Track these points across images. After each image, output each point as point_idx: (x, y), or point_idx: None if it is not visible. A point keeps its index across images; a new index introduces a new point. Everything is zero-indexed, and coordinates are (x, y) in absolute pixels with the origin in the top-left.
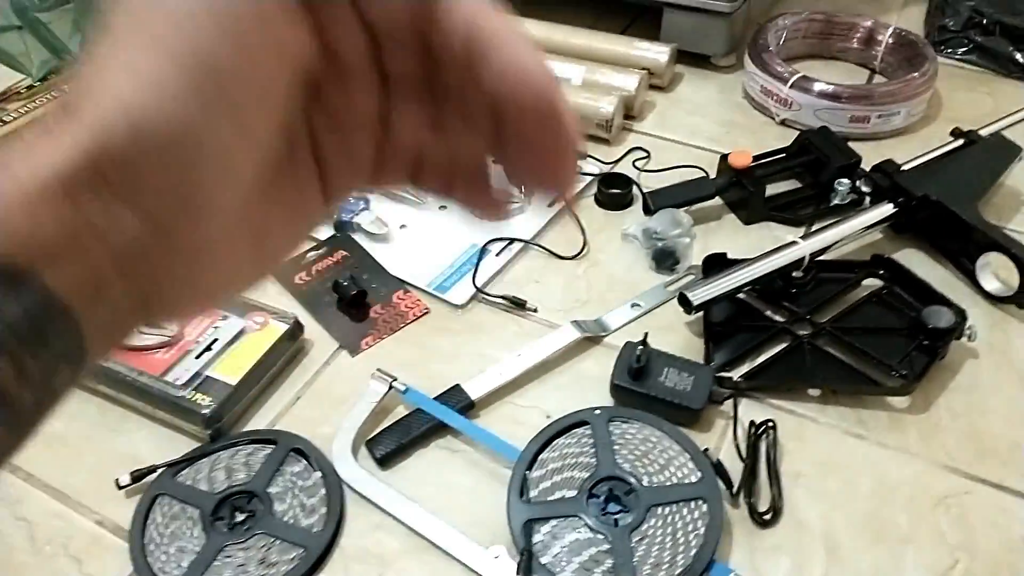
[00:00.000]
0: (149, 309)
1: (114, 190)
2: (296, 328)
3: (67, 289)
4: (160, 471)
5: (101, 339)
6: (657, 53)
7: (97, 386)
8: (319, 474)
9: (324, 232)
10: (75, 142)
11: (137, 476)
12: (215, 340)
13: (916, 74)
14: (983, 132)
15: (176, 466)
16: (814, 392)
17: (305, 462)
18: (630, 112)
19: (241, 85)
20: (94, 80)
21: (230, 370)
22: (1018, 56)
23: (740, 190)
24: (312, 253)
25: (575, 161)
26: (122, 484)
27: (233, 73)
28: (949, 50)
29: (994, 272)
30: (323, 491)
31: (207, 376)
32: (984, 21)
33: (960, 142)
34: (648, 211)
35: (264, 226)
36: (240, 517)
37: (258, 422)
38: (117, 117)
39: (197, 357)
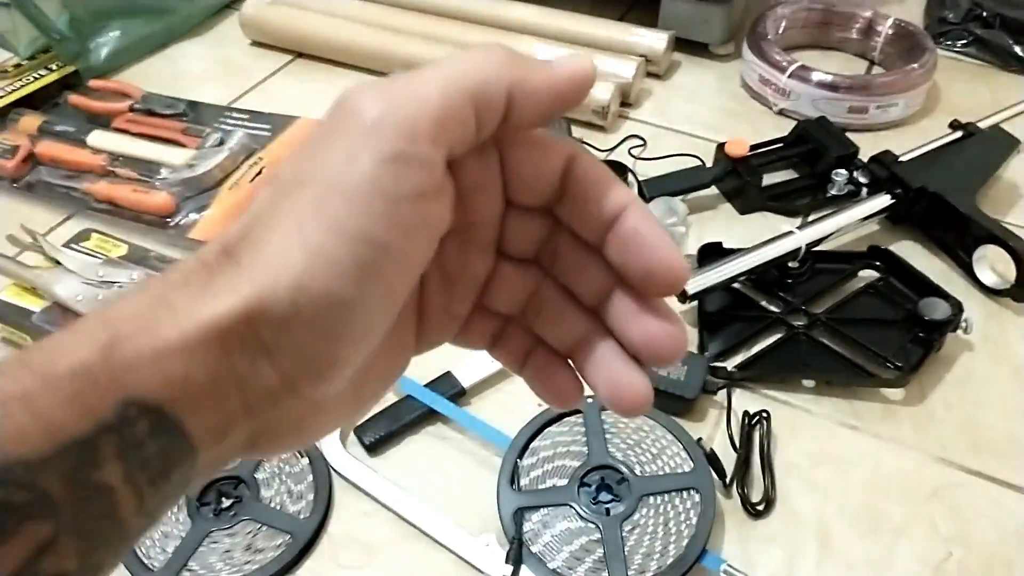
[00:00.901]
0: (257, 447)
1: (264, 347)
2: None
3: (199, 432)
4: None
5: (207, 470)
6: (655, 40)
7: None
8: (307, 460)
9: None
10: (239, 296)
11: None
12: None
13: (915, 65)
14: (981, 125)
15: None
16: (808, 383)
17: None
18: (626, 99)
19: (395, 261)
20: (263, 237)
21: None
22: (1017, 49)
23: (736, 179)
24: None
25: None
26: None
27: (392, 253)
28: (948, 42)
29: (991, 265)
30: (311, 477)
31: None
32: (984, 14)
33: (958, 134)
34: (643, 199)
35: (368, 375)
36: (226, 503)
37: None
38: (283, 280)
39: None
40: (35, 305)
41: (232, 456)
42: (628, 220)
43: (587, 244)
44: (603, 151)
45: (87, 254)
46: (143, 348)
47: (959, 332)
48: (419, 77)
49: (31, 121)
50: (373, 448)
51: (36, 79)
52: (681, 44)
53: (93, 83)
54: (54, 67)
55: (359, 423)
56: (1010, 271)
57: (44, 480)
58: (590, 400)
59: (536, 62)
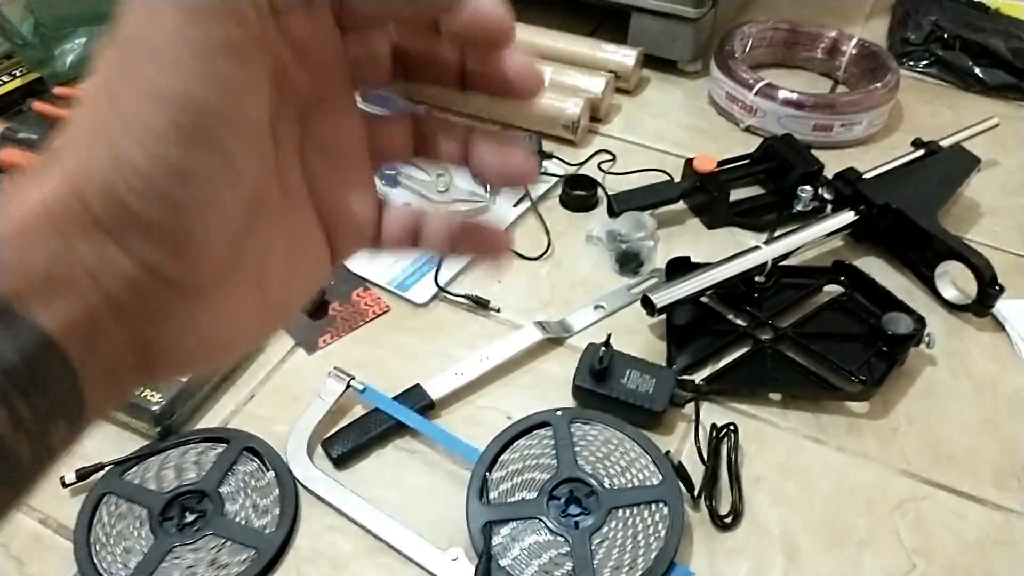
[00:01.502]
0: (150, 361)
1: (103, 228)
2: None
3: (62, 330)
4: (107, 469)
5: (100, 391)
6: (624, 56)
7: None
8: (273, 474)
9: None
10: (62, 175)
11: (83, 474)
12: None
13: (879, 85)
14: (943, 143)
15: (124, 464)
16: (775, 396)
17: (258, 462)
18: (596, 115)
19: (222, 121)
20: (82, 120)
21: None
22: (977, 71)
23: (704, 195)
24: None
25: (533, 155)
26: (67, 482)
27: (214, 110)
28: (911, 63)
29: (952, 280)
30: (276, 491)
31: None
32: (945, 36)
33: (921, 152)
34: (612, 213)
35: (265, 273)
36: (190, 517)
37: (210, 420)
38: (102, 152)
39: None
40: None
41: (126, 376)
42: None
43: (429, 35)
44: (573, 165)
45: None
46: None
47: (922, 346)
48: None
49: None
50: (340, 461)
51: None
52: (650, 61)
53: (58, 90)
54: (18, 73)
55: (326, 436)
56: (971, 287)
57: None
58: (559, 414)
59: None
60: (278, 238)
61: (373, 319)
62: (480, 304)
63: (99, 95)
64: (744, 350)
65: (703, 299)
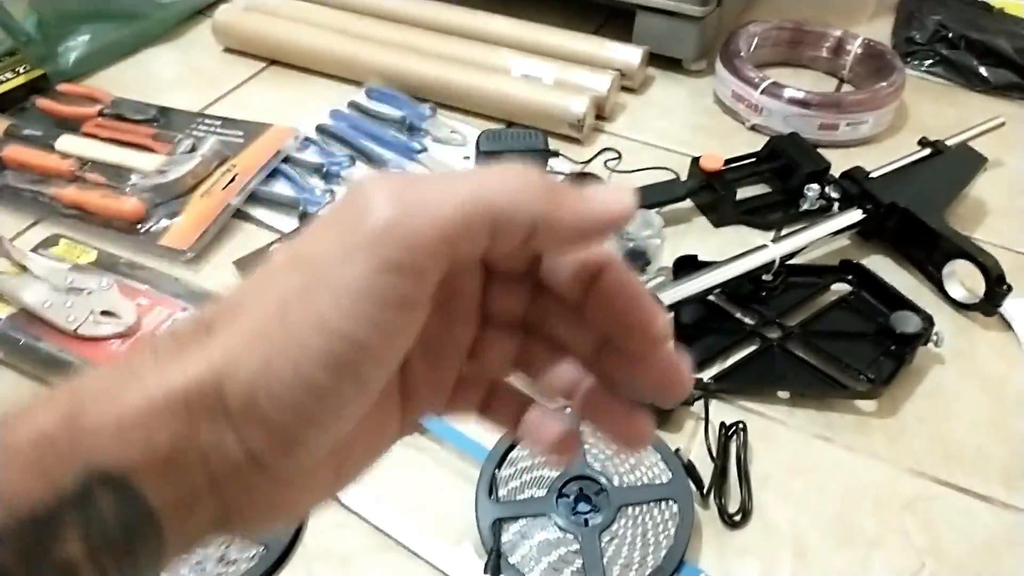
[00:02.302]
0: (228, 525)
1: (230, 418)
2: None
3: (164, 505)
4: None
5: (177, 549)
6: (629, 55)
7: (49, 377)
8: None
9: (290, 224)
10: (207, 364)
11: None
12: None
13: (884, 84)
14: (949, 143)
15: None
16: (783, 395)
17: None
18: (601, 113)
19: (373, 360)
20: (242, 311)
21: None
22: (982, 70)
23: (711, 193)
24: (278, 245)
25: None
26: None
27: (370, 352)
28: (916, 62)
29: (960, 280)
30: None
31: None
32: (950, 35)
33: (927, 151)
34: None
35: (348, 455)
36: None
37: None
38: (254, 353)
39: None
40: (1, 312)
41: (202, 536)
42: (608, 276)
43: (571, 303)
44: (579, 163)
45: (55, 260)
46: (106, 416)
47: (930, 345)
48: (441, 184)
49: None
50: None
51: (3, 82)
52: (655, 59)
53: (62, 87)
54: (21, 70)
55: None
56: (979, 286)
57: (1, 553)
58: (568, 411)
59: (570, 192)
60: (366, 430)
61: None
62: None
63: (268, 302)
64: (752, 348)
65: (710, 297)
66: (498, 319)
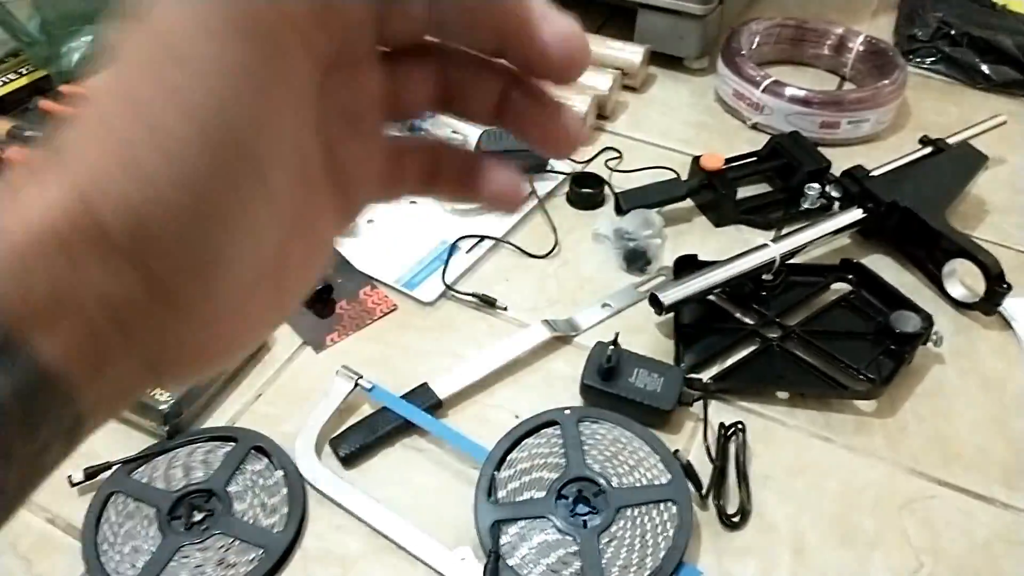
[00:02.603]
0: (156, 372)
1: (116, 246)
2: None
3: (64, 359)
4: (115, 468)
5: (101, 409)
6: (631, 53)
7: None
8: (281, 473)
9: None
10: (71, 185)
11: (91, 473)
12: None
13: (886, 82)
14: (950, 141)
15: (131, 463)
16: (782, 395)
17: (267, 460)
18: (603, 112)
19: (261, 139)
20: (94, 119)
21: None
22: (984, 68)
23: (711, 192)
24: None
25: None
26: (75, 481)
27: (253, 128)
28: (918, 59)
29: (960, 279)
30: (285, 490)
31: None
32: (952, 32)
33: (928, 150)
34: (620, 211)
35: (284, 268)
36: (198, 516)
37: (218, 419)
38: (121, 161)
39: None
40: None
41: (130, 389)
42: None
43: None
44: (579, 163)
45: None
46: None
47: (929, 345)
48: None
49: (0, 126)
50: (348, 460)
51: (6, 83)
52: (656, 58)
53: (65, 88)
54: (24, 71)
55: (334, 435)
56: (979, 285)
57: None
58: (567, 412)
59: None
60: (300, 235)
61: (380, 317)
62: (487, 302)
63: (117, 98)
64: (752, 348)
65: (711, 297)
66: (404, 55)
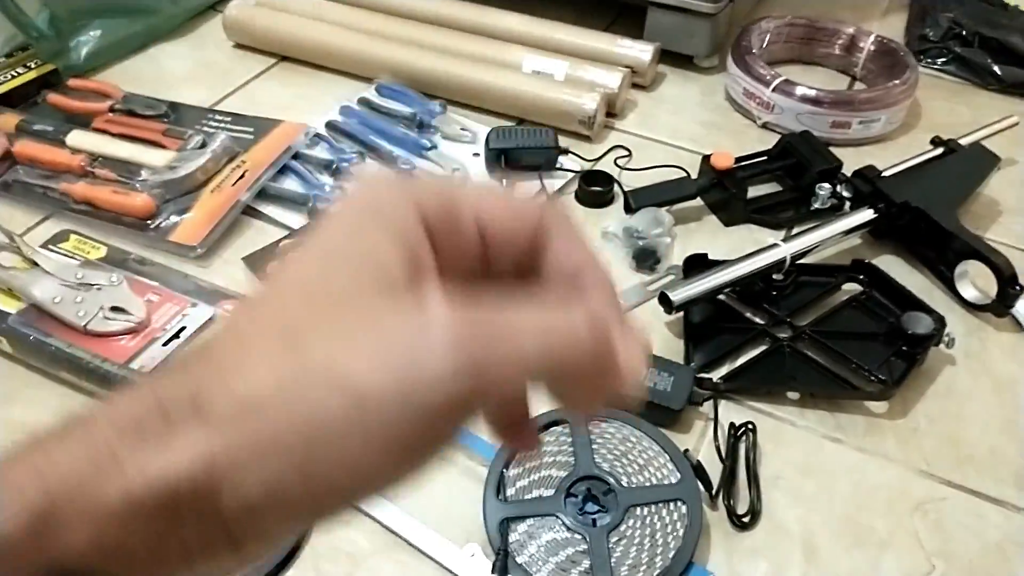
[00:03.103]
0: None
1: (220, 517)
2: None
3: None
4: None
5: None
6: (640, 52)
7: (59, 373)
8: None
9: (298, 221)
10: (205, 453)
11: None
12: (183, 328)
13: (897, 82)
14: (962, 142)
15: None
16: (793, 395)
17: None
18: (612, 110)
19: (387, 488)
20: (256, 403)
21: None
22: (996, 68)
23: (721, 191)
24: (285, 241)
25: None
26: None
27: (389, 485)
28: (929, 60)
29: (972, 280)
30: None
31: None
32: (963, 33)
33: (940, 150)
34: (629, 210)
35: None
36: None
37: None
38: (266, 464)
39: (164, 344)
40: (11, 307)
41: None
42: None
43: None
44: (589, 161)
45: (65, 255)
46: (80, 517)
47: (941, 346)
48: (512, 336)
49: (8, 119)
50: None
51: (14, 77)
52: (666, 56)
53: (73, 82)
54: (32, 65)
55: None
56: (991, 286)
57: None
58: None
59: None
60: None
61: None
62: None
63: (292, 406)
64: (762, 348)
65: (721, 297)
66: None
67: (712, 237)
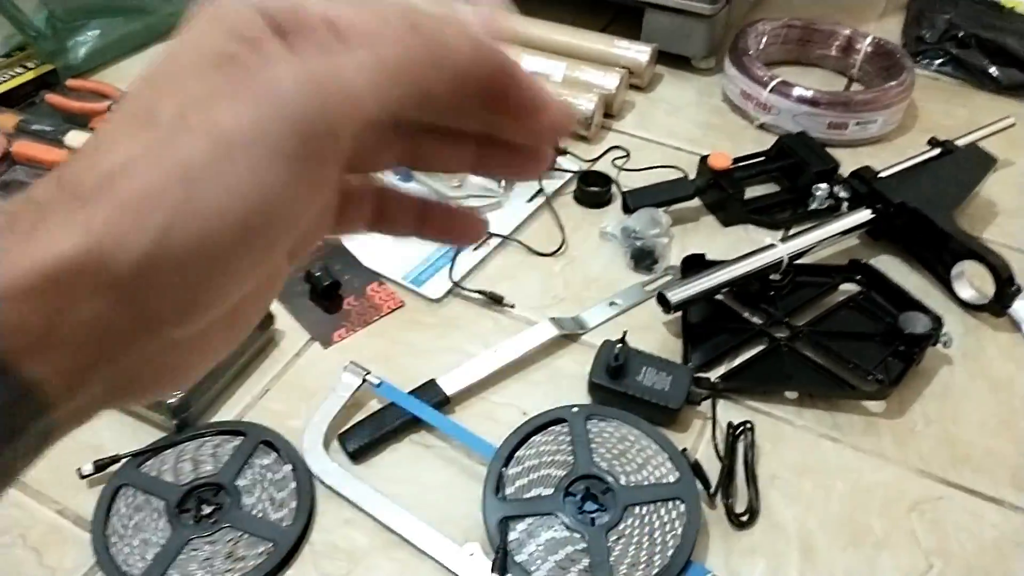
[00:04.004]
0: (123, 394)
1: (116, 283)
2: (266, 317)
3: (47, 381)
4: (124, 461)
5: (69, 422)
6: (637, 53)
7: None
8: (289, 467)
9: None
10: (85, 230)
11: (100, 465)
12: None
13: (894, 83)
14: (959, 143)
15: (141, 456)
16: (791, 395)
17: (275, 455)
18: (610, 111)
19: (287, 227)
20: (125, 170)
21: None
22: (992, 70)
23: (719, 192)
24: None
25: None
26: (84, 473)
27: (283, 220)
28: (925, 61)
29: (969, 280)
30: (293, 485)
31: None
32: (960, 34)
33: (937, 151)
34: (627, 210)
35: (241, 309)
36: (207, 510)
37: (226, 413)
38: (150, 218)
39: None
40: None
41: (97, 406)
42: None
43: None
44: (587, 161)
45: None
46: None
47: (939, 346)
48: (349, 58)
49: (7, 119)
50: (356, 456)
51: (12, 77)
52: (663, 57)
53: (71, 82)
54: (31, 65)
55: (342, 430)
56: (988, 287)
57: None
58: (575, 410)
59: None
60: (267, 280)
61: (387, 314)
62: (494, 300)
63: (167, 166)
64: (760, 348)
65: (718, 296)
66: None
67: (710, 237)
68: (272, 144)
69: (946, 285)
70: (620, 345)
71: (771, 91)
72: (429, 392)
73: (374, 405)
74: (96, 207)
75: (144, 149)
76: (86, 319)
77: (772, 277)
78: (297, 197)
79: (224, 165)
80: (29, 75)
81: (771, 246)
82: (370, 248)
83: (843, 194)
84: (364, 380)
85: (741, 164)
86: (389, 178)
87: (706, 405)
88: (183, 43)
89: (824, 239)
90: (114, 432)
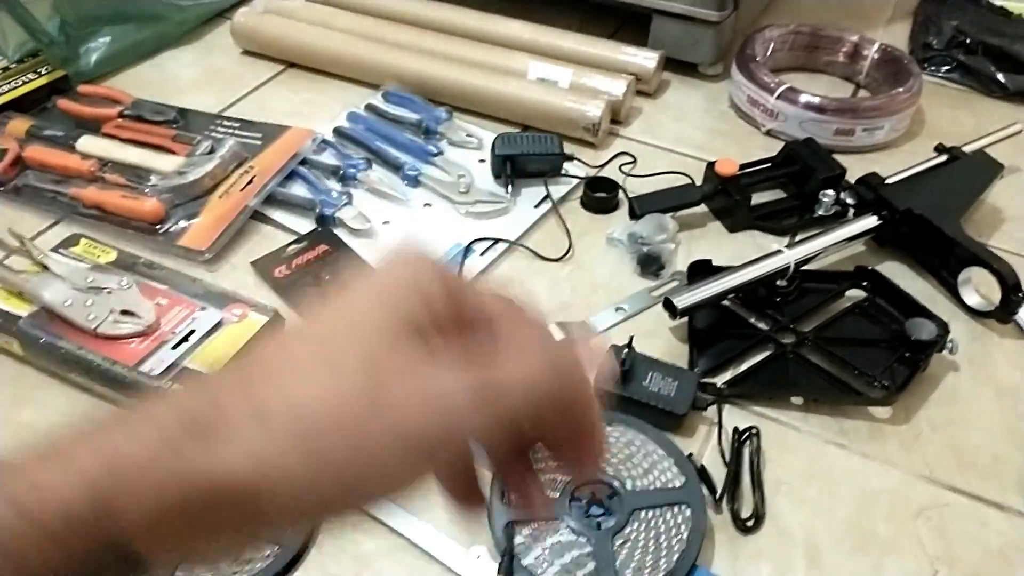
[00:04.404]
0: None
1: (260, 511)
2: (276, 321)
3: (161, 560)
4: None
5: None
6: (645, 59)
7: (69, 376)
8: None
9: (306, 226)
10: (256, 459)
11: None
12: (192, 331)
13: (901, 89)
14: (966, 149)
15: None
16: (797, 400)
17: None
18: (617, 117)
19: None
20: (291, 395)
21: (207, 361)
22: (1000, 76)
23: (726, 198)
24: (293, 247)
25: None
26: None
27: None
28: (933, 67)
29: (975, 287)
30: None
31: (184, 367)
32: (967, 41)
33: (944, 158)
34: (634, 216)
35: None
36: None
37: None
38: (309, 467)
39: (173, 348)
40: (22, 310)
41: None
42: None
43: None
44: (594, 167)
45: (75, 259)
46: (141, 508)
47: (945, 353)
48: (505, 373)
49: (19, 125)
50: None
51: (25, 83)
52: (671, 63)
53: (83, 88)
54: (43, 71)
55: None
56: (994, 293)
57: None
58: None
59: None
60: None
61: None
62: None
63: (338, 423)
64: (766, 354)
65: (725, 302)
66: None
67: (716, 243)
68: (427, 449)
69: (952, 291)
70: (626, 350)
71: (778, 97)
72: None
73: None
74: (277, 445)
75: (335, 410)
76: (213, 529)
77: (779, 283)
78: (409, 487)
79: (392, 463)
80: (41, 81)
81: (778, 252)
82: (379, 253)
83: (850, 200)
84: None
85: (748, 170)
86: (400, 189)
87: (712, 410)
88: (374, 279)
89: (831, 245)
90: None
